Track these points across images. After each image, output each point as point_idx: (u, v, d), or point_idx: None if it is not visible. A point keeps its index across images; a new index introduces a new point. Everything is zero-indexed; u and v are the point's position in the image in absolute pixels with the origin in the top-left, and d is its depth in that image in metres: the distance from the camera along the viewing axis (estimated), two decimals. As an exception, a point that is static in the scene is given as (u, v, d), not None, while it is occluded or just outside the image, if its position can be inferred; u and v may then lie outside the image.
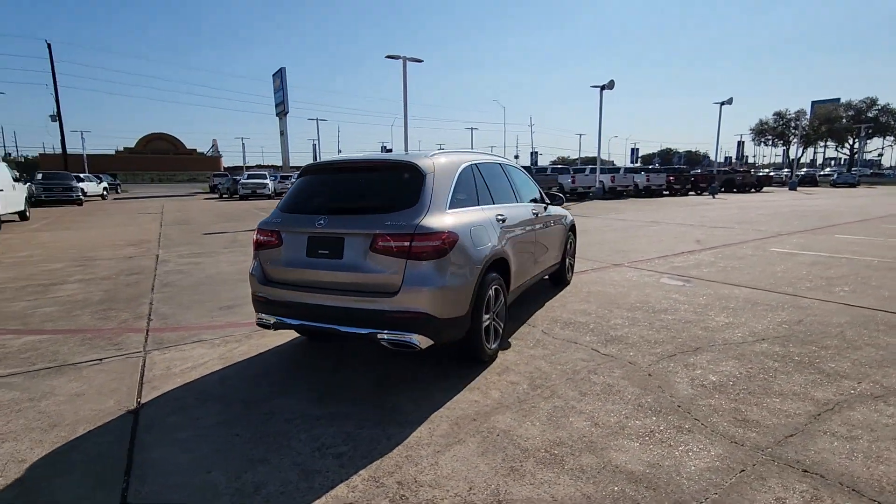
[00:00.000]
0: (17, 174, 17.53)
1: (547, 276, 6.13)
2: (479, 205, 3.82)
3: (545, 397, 3.16)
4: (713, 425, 2.76)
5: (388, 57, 18.59)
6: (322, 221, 3.33)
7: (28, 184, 25.26)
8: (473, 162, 4.05)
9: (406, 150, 20.14)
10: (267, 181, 30.20)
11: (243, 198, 29.42)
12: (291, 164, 27.59)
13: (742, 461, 2.42)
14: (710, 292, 5.71)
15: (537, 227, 4.81)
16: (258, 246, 3.64)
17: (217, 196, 34.05)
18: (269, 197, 29.39)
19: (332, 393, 3.32)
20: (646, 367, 3.61)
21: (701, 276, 6.62)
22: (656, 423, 2.80)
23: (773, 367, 3.54)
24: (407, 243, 3.08)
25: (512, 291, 4.24)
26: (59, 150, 37.22)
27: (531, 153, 53.86)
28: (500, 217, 3.94)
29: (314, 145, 52.74)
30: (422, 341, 3.13)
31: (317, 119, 55.20)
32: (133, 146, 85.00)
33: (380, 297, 3.13)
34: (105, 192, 33.01)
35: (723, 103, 33.73)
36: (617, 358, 3.79)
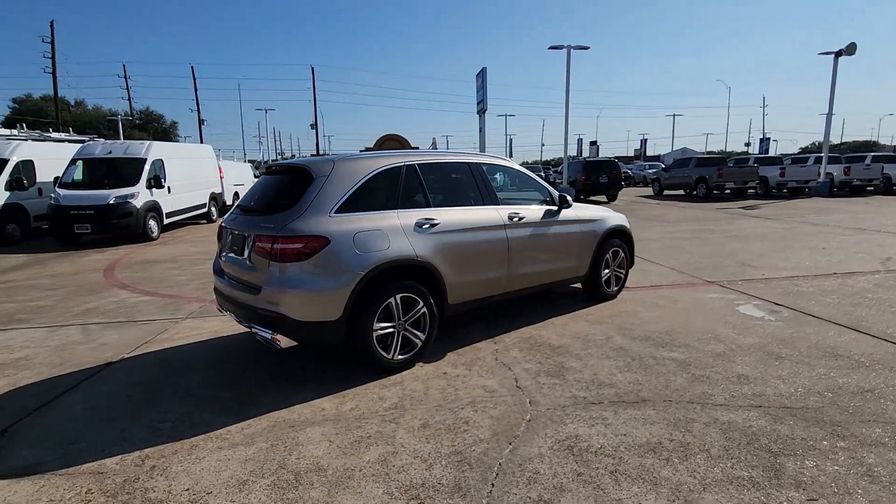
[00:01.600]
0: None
1: (580, 286, 5.35)
2: (397, 209, 3.63)
3: (386, 420, 2.91)
4: (498, 499, 2.17)
5: (552, 48, 17.73)
6: (232, 221, 3.68)
7: None
8: (409, 163, 3.82)
9: (566, 140, 19.11)
10: None
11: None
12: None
13: (457, 550, 1.88)
14: (788, 332, 4.15)
15: (515, 232, 4.22)
16: (217, 239, 4.20)
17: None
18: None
19: (235, 378, 3.65)
20: (542, 410, 2.95)
21: (811, 308, 4.81)
22: (444, 476, 2.34)
23: (706, 447, 2.50)
24: (269, 245, 3.20)
25: (458, 304, 3.90)
26: (323, 151, 48.51)
27: (760, 139, 44.22)
28: (424, 222, 3.66)
29: (510, 140, 54.22)
30: (282, 340, 3.23)
31: (505, 115, 57.16)
32: (372, 146, 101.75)
33: (253, 294, 3.33)
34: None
35: None
36: (525, 394, 3.18)
